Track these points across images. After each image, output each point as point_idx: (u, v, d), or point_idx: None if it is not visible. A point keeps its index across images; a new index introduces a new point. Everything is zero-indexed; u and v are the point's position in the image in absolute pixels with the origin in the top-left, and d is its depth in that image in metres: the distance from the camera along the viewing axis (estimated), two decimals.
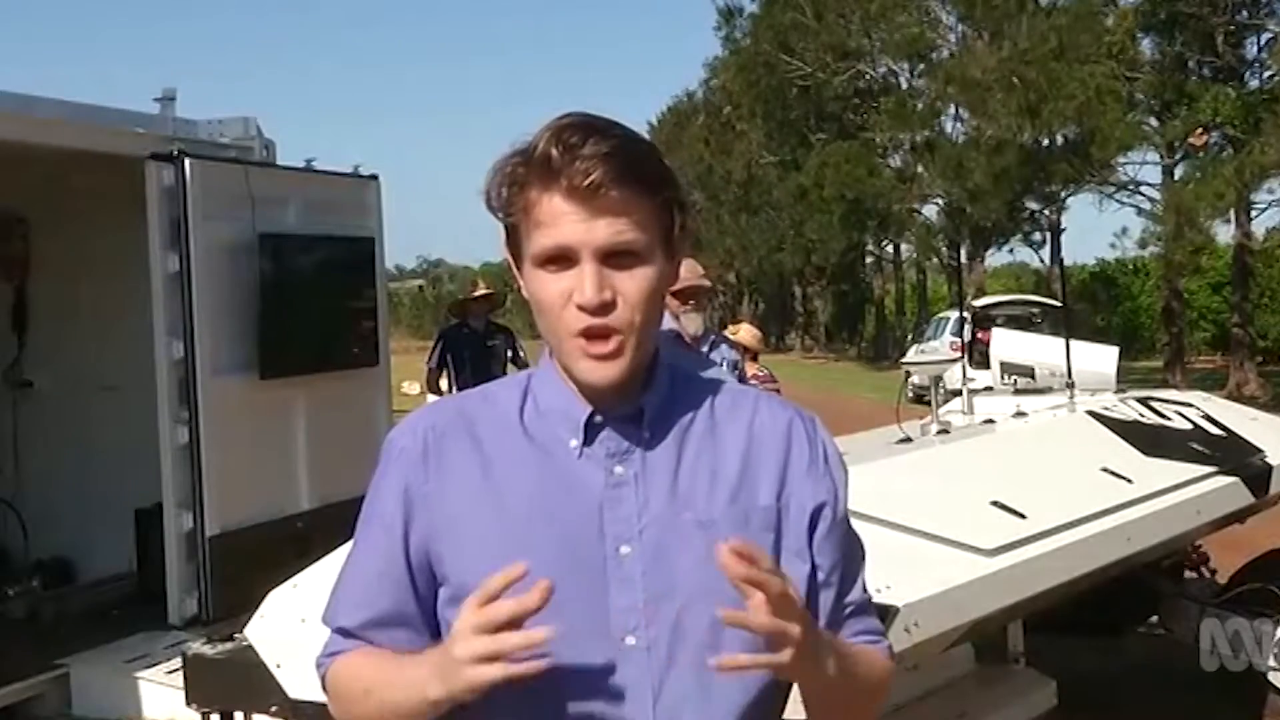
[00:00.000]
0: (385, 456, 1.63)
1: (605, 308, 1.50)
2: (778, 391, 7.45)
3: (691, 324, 5.46)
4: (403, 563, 1.59)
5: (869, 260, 52.92)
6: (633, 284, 1.51)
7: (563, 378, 1.59)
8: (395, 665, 1.57)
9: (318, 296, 6.85)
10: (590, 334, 1.51)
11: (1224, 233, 26.78)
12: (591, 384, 1.54)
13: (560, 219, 1.49)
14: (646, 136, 1.60)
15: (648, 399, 1.58)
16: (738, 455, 1.60)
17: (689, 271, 5.57)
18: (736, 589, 1.40)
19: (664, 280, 1.55)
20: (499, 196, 1.55)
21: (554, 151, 1.48)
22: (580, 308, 1.50)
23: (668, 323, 5.40)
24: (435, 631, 1.60)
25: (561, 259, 1.50)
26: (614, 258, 1.50)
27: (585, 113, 1.55)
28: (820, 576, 1.61)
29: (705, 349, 5.54)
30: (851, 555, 1.66)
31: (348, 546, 1.72)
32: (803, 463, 1.62)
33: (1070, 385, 5.36)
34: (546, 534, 1.52)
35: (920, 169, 34.36)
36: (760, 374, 7.67)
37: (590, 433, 1.56)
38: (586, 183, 1.47)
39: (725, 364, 5.60)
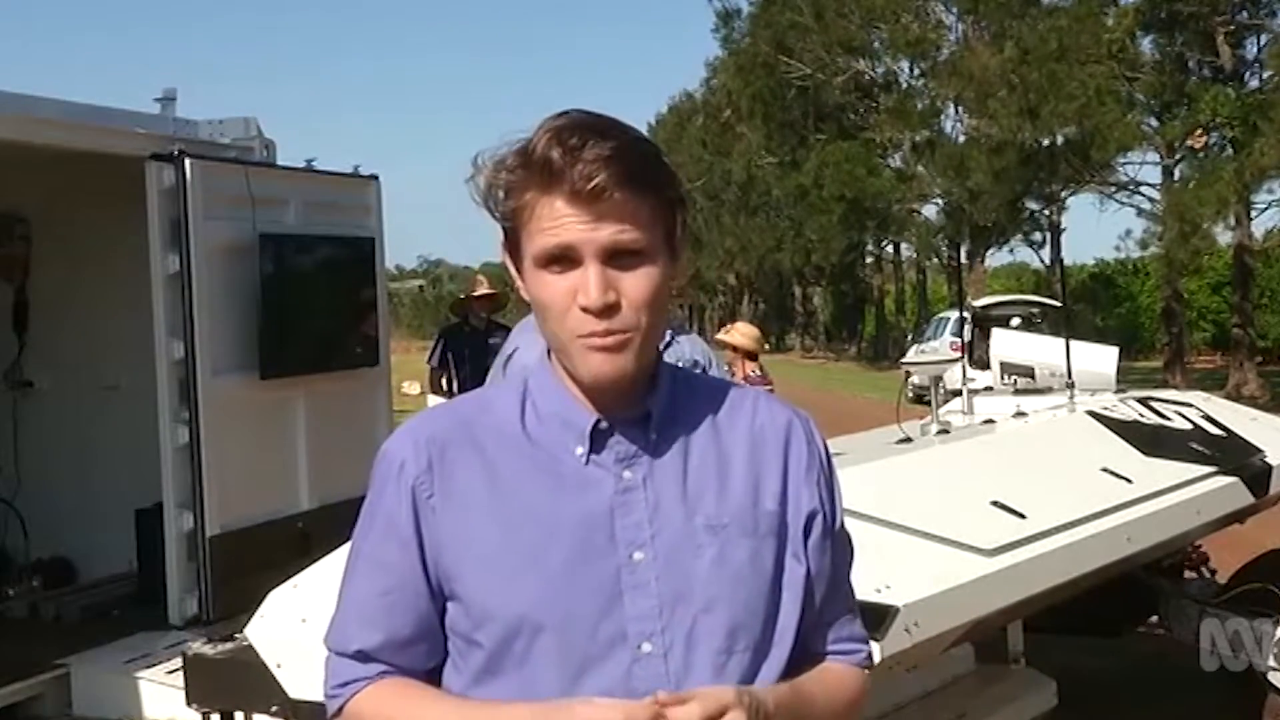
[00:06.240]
0: (384, 470, 1.58)
1: (610, 309, 1.48)
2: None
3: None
4: (422, 575, 1.55)
5: (869, 260, 52.89)
6: (637, 283, 1.49)
7: (564, 382, 1.56)
8: (453, 707, 1.54)
9: (318, 297, 6.85)
10: (595, 332, 1.49)
11: (1224, 234, 26.79)
12: (599, 381, 1.51)
13: (563, 222, 1.47)
14: (644, 132, 1.58)
15: (653, 401, 1.56)
16: (743, 457, 1.58)
17: None
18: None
19: (668, 278, 1.53)
20: (496, 198, 1.52)
21: (554, 154, 1.45)
22: (584, 309, 1.48)
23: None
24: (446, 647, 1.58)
25: (564, 260, 1.48)
26: (617, 258, 1.48)
27: (582, 111, 1.52)
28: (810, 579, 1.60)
29: (662, 347, 5.04)
30: (840, 562, 1.65)
31: (346, 550, 1.65)
32: (801, 466, 1.61)
33: (1070, 385, 5.35)
34: (558, 545, 1.50)
35: (920, 169, 34.35)
36: (752, 376, 7.41)
37: (596, 439, 1.54)
38: (590, 187, 1.44)
39: (681, 364, 4.65)
